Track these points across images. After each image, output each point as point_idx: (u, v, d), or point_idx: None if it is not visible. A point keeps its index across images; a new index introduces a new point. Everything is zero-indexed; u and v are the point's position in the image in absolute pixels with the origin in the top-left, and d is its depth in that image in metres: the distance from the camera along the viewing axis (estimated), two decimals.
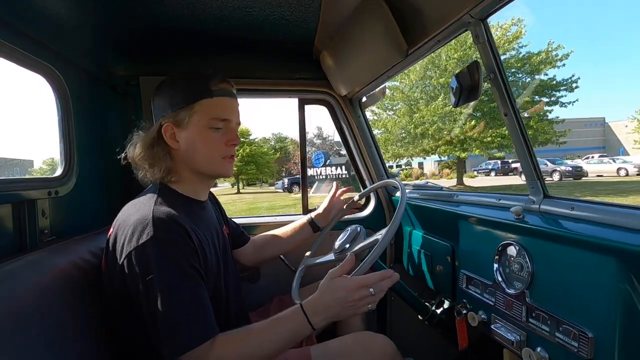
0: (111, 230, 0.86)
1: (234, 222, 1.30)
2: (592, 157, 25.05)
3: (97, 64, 1.29)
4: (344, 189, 1.39)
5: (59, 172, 1.10)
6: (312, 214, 1.35)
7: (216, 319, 0.91)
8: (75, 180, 1.13)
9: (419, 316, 1.23)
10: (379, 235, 1.00)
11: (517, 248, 0.87)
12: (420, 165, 34.18)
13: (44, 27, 0.97)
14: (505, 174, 23.79)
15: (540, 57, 15.00)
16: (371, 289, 0.85)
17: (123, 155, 0.97)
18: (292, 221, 1.38)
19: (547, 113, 15.99)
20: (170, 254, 0.77)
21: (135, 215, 0.81)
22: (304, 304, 0.85)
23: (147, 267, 0.75)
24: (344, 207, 1.37)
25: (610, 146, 41.71)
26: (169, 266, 0.76)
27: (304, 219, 1.35)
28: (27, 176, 1.12)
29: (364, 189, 1.59)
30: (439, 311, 1.19)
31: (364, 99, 1.64)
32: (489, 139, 15.13)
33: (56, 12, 0.97)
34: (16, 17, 0.86)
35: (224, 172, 0.97)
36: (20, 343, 0.62)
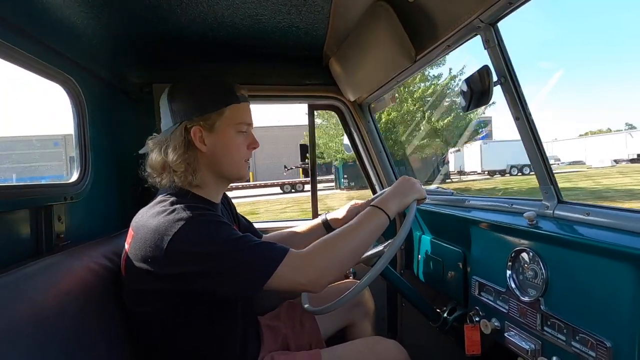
0: (130, 239, 0.86)
1: (245, 220, 1.27)
2: None
3: (113, 72, 1.33)
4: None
5: (74, 177, 1.13)
6: (328, 216, 1.29)
7: (225, 323, 0.91)
8: (91, 186, 1.15)
9: (431, 323, 1.21)
10: (389, 241, 1.00)
11: (531, 254, 0.85)
12: None
13: (62, 37, 1.00)
14: None
15: None
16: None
17: (148, 166, 0.95)
18: None
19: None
20: (210, 221, 0.82)
21: (159, 217, 0.81)
22: (374, 202, 0.98)
23: (197, 240, 0.78)
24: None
25: None
26: (217, 228, 0.81)
27: (318, 220, 1.31)
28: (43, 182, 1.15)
29: (374, 194, 1.58)
30: (450, 318, 1.17)
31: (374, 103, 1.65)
32: None
33: (74, 23, 1.00)
34: (35, 27, 0.89)
35: (244, 175, 0.99)
36: (37, 345, 0.63)
